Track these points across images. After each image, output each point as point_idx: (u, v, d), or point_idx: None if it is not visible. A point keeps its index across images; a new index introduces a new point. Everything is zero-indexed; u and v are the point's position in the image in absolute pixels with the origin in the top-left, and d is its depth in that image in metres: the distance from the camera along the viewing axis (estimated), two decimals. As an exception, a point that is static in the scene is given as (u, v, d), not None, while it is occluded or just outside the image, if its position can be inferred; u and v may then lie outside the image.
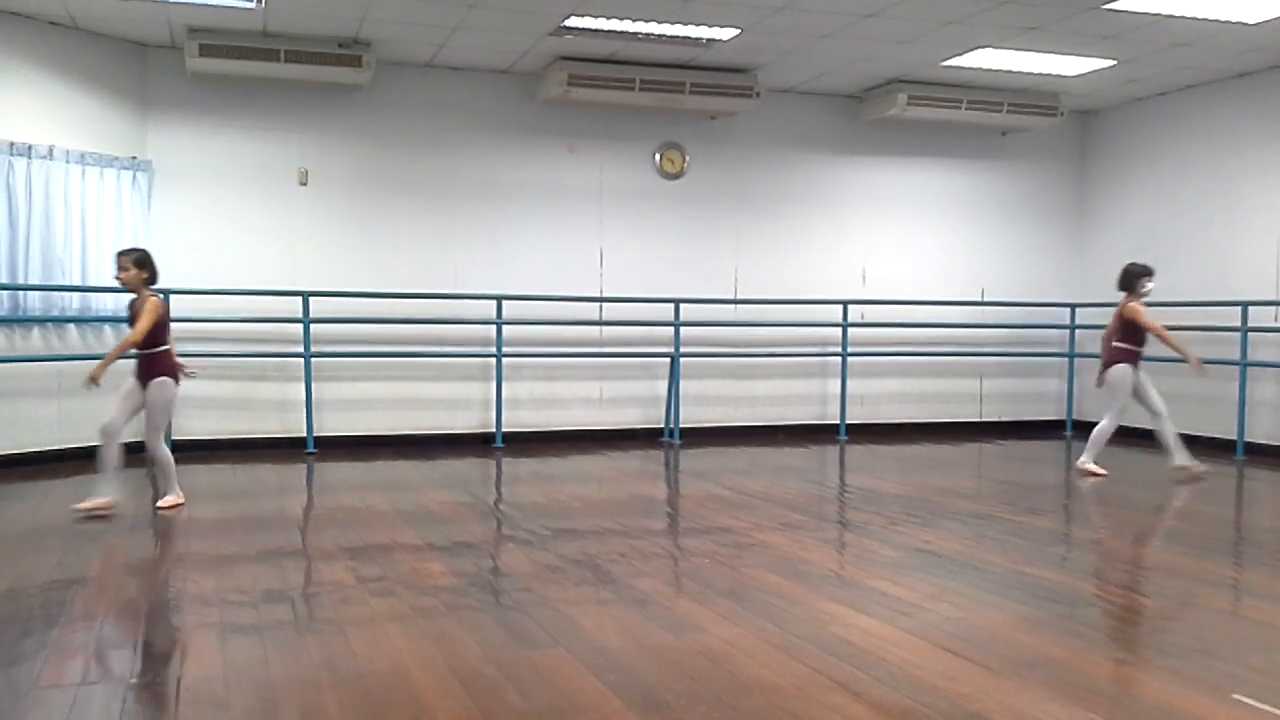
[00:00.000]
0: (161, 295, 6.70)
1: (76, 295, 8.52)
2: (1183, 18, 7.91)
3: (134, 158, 8.88)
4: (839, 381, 10.73)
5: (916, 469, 8.92)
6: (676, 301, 10.17)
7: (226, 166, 9.29)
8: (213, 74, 8.79)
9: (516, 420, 9.94)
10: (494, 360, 9.74)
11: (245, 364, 9.32)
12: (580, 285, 10.17)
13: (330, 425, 9.50)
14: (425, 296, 9.51)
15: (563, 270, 10.12)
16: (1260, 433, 9.51)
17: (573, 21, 8.21)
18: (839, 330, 10.69)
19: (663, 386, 10.35)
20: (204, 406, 9.21)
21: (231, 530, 6.12)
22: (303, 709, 3.42)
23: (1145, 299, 8.28)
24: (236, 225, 9.33)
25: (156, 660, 3.97)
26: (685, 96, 9.56)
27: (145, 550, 5.76)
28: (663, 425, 10.38)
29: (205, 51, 8.53)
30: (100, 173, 8.60)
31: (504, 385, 9.77)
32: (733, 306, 10.61)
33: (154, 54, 9.04)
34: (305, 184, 9.50)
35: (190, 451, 8.90)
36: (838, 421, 10.76)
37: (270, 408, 9.42)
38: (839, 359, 10.70)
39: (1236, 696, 3.54)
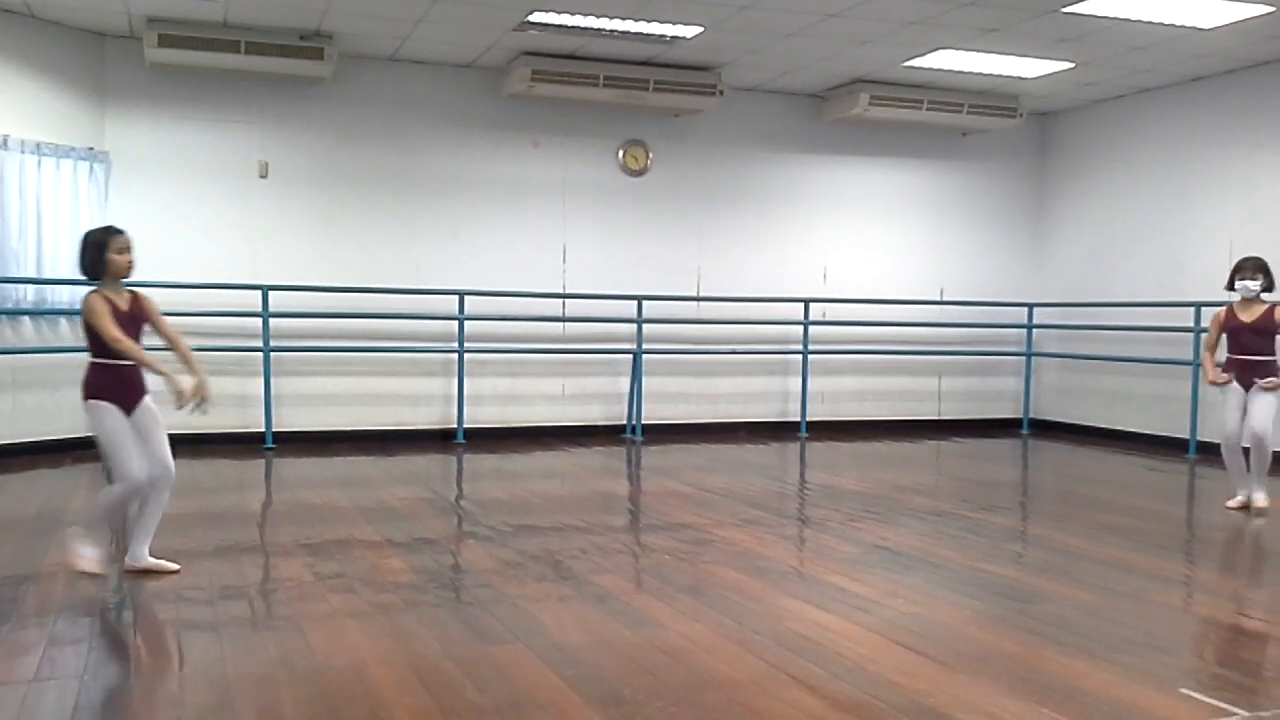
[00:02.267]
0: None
1: (31, 288, 8.40)
2: (1140, 22, 8.02)
3: (91, 149, 8.77)
4: (800, 379, 10.79)
5: (876, 466, 8.99)
6: (639, 298, 10.18)
7: (186, 158, 9.19)
8: (172, 65, 8.69)
9: (478, 416, 9.92)
10: (456, 356, 9.71)
11: (203, 358, 9.07)
12: (543, 281, 10.16)
13: (290, 420, 9.44)
14: (387, 291, 9.47)
15: (526, 266, 10.11)
16: (1212, 431, 9.65)
17: (537, 17, 8.20)
18: (800, 328, 10.74)
19: (625, 383, 10.37)
20: (161, 401, 9.08)
21: (188, 526, 6.07)
22: (259, 706, 3.40)
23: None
24: (195, 218, 9.23)
25: (110, 657, 3.94)
26: (649, 94, 9.57)
27: (101, 546, 5.68)
28: (625, 422, 10.39)
29: (165, 42, 8.43)
30: (56, 163, 8.48)
31: (466, 381, 9.74)
32: (695, 304, 10.64)
33: (112, 44, 8.93)
34: (266, 177, 9.42)
35: (147, 446, 8.80)
36: (799, 419, 10.82)
37: (229, 402, 9.31)
38: (800, 357, 10.76)
39: (1184, 690, 3.60)
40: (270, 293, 9.09)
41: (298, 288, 9.25)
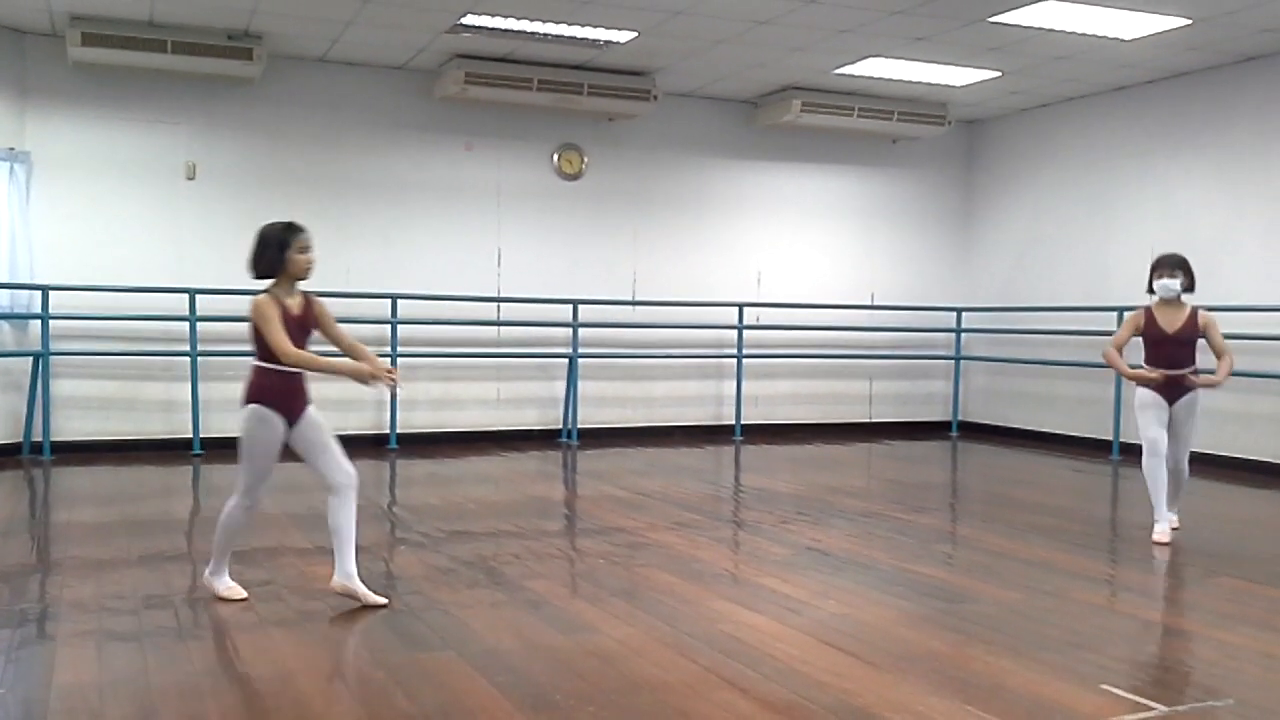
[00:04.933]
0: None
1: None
2: (1063, 32, 8.19)
3: (11, 149, 8.55)
4: (734, 383, 10.85)
5: (808, 469, 9.08)
6: (574, 302, 10.17)
7: (110, 159, 9.00)
8: (96, 64, 8.51)
9: (411, 421, 9.83)
10: (388, 360, 9.61)
11: (129, 363, 9.05)
12: (477, 285, 10.10)
13: (217, 426, 9.25)
14: (317, 295, 9.31)
15: (460, 270, 10.04)
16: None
17: (470, 19, 8.16)
18: (734, 332, 10.81)
19: (560, 387, 10.35)
20: (85, 407, 8.92)
21: (112, 534, 5.94)
22: (183, 717, 3.34)
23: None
24: (121, 220, 9.04)
25: (28, 669, 3.84)
26: (583, 98, 9.57)
27: (20, 555, 5.55)
28: (560, 426, 10.37)
29: (88, 40, 8.25)
30: (-26, 163, 8.28)
31: (399, 385, 9.63)
32: (631, 308, 10.66)
33: (33, 41, 8.72)
34: (193, 178, 9.26)
35: (70, 453, 8.61)
36: (733, 422, 10.88)
37: (155, 408, 9.16)
38: (734, 361, 10.83)
39: (1104, 686, 3.68)
40: (198, 296, 8.94)
41: (226, 291, 9.09)
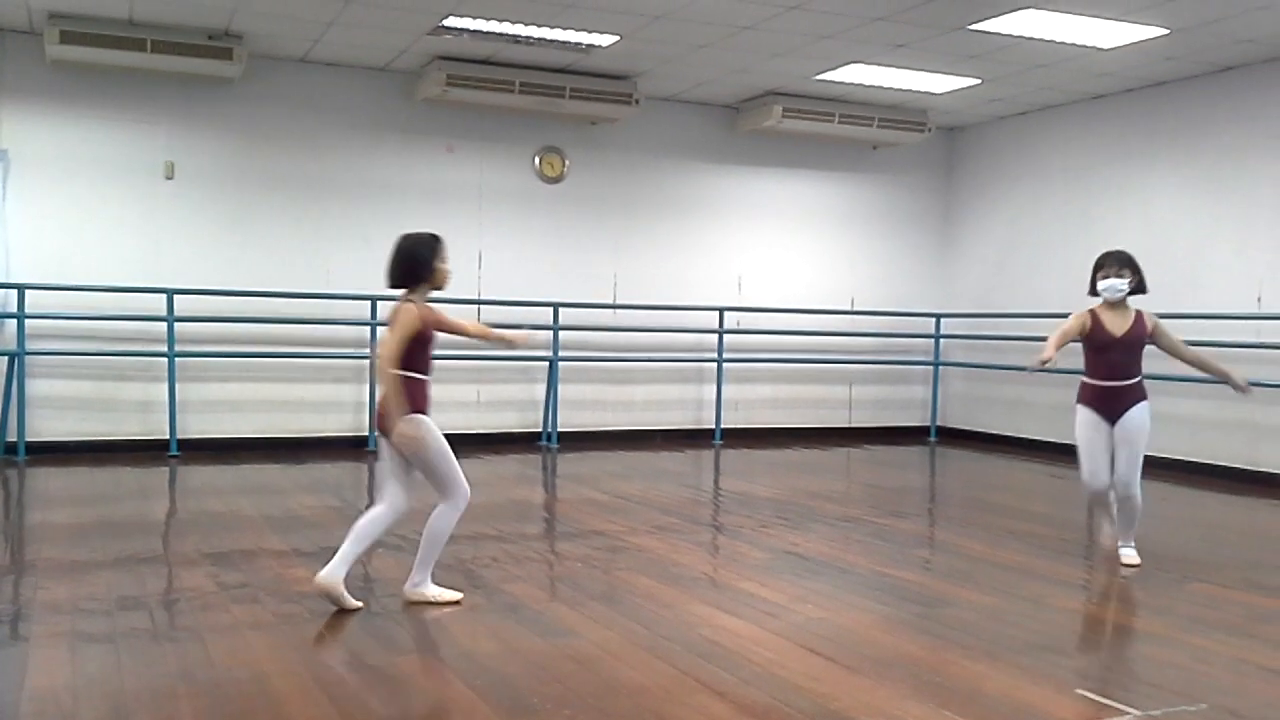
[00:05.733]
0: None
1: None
2: (1042, 40, 8.25)
3: (-13, 146, 8.50)
4: (714, 387, 10.87)
5: (788, 473, 9.10)
6: (555, 305, 10.16)
7: (88, 158, 8.94)
8: (75, 62, 8.45)
9: (390, 423, 9.78)
10: (367, 362, 9.58)
11: (106, 363, 8.98)
12: (458, 288, 9.88)
13: (195, 427, 9.22)
14: (296, 296, 9.31)
15: (440, 272, 10.00)
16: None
17: (451, 21, 8.15)
18: (715, 336, 10.83)
19: (541, 390, 10.34)
20: (61, 407, 8.85)
21: (87, 535, 5.89)
22: (157, 719, 3.32)
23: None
24: (98, 219, 8.98)
25: (0, 671, 3.80)
26: (565, 101, 9.57)
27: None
28: (540, 429, 10.35)
29: (67, 39, 8.20)
30: (-51, 161, 8.21)
31: (378, 388, 9.60)
32: (611, 311, 10.66)
33: (10, 39, 8.66)
34: (172, 178, 9.20)
35: (46, 454, 8.54)
36: (713, 426, 10.89)
37: (132, 409, 9.10)
38: (715, 365, 10.84)
39: (1079, 691, 3.71)
40: (175, 296, 8.89)
41: (204, 291, 9.05)
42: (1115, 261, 5.52)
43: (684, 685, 3.69)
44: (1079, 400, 5.61)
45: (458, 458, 4.72)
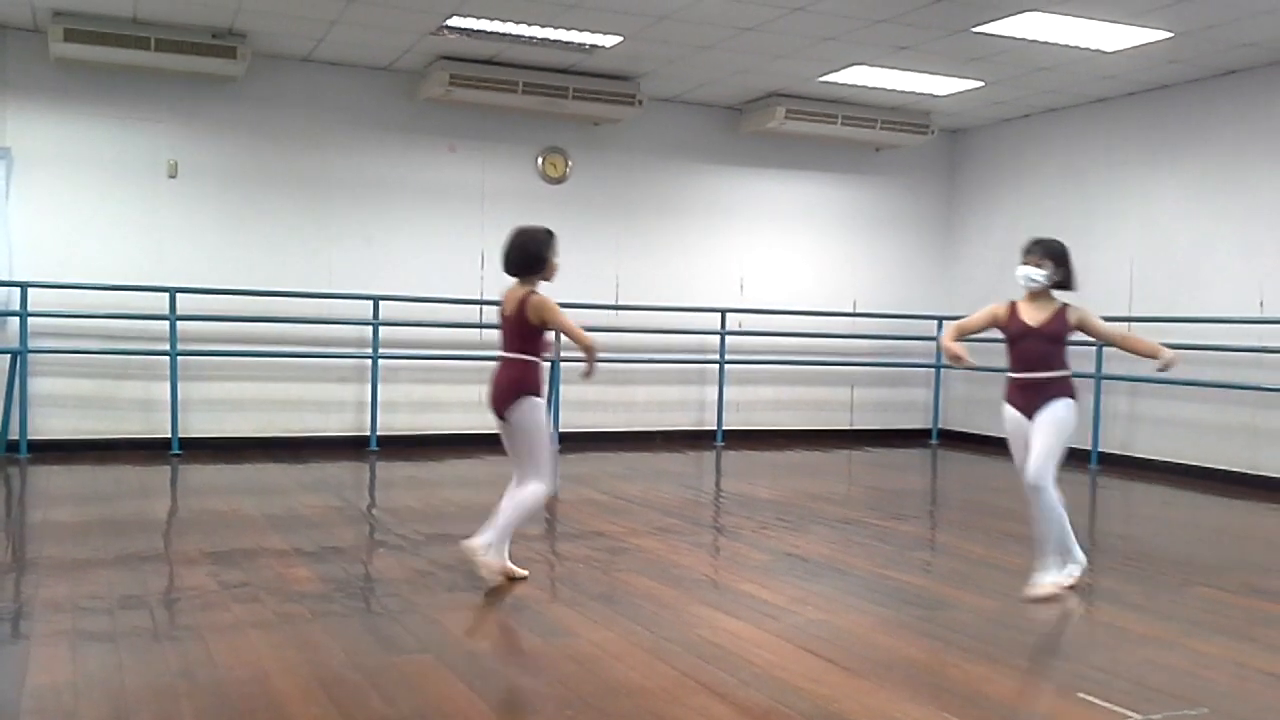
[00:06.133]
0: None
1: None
2: (1046, 43, 8.24)
3: (-10, 144, 8.51)
4: (716, 388, 10.86)
5: (789, 475, 9.10)
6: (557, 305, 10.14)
7: (92, 156, 8.95)
8: (79, 60, 8.46)
9: (393, 423, 9.80)
10: (370, 362, 9.59)
11: (107, 362, 8.99)
12: (461, 287, 10.08)
13: (197, 426, 9.23)
14: (299, 295, 9.31)
15: (443, 272, 10.02)
16: (1114, 443, 9.94)
17: (455, 21, 8.15)
18: (717, 338, 10.82)
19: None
20: (63, 405, 8.85)
21: (89, 534, 5.90)
22: (157, 718, 3.32)
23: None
24: (101, 217, 8.99)
25: (1, 669, 3.81)
26: (568, 101, 9.57)
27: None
28: (541, 429, 10.34)
29: (71, 37, 8.20)
30: (-47, 159, 8.21)
31: (380, 387, 9.62)
32: (613, 312, 10.66)
33: (14, 36, 8.66)
34: (175, 177, 9.21)
35: (48, 452, 8.55)
36: (715, 427, 10.89)
37: (133, 407, 9.10)
38: (716, 366, 10.84)
39: (1081, 695, 3.70)
40: (178, 295, 8.89)
41: (206, 290, 9.06)
42: (1038, 250, 5.10)
43: (684, 686, 3.69)
44: (1004, 398, 5.25)
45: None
